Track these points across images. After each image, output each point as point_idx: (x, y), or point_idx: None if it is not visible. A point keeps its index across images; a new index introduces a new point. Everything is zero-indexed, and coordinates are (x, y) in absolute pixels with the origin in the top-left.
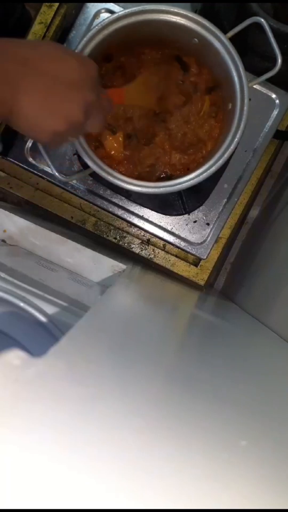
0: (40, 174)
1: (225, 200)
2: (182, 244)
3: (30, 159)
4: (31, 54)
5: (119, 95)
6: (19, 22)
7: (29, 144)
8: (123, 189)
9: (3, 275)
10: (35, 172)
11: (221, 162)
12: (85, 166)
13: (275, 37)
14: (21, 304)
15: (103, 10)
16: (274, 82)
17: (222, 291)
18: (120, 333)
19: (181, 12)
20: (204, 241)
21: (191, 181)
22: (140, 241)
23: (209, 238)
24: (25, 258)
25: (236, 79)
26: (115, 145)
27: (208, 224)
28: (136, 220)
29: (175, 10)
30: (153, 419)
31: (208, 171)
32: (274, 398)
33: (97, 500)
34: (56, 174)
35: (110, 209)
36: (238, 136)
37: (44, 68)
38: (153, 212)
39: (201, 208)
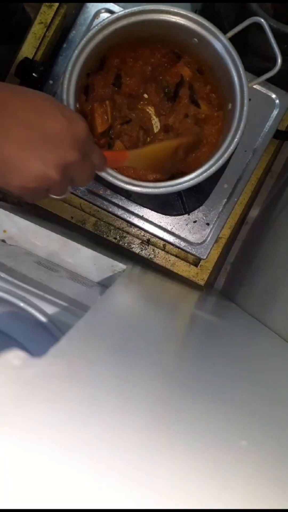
0: None
1: (225, 200)
2: (182, 244)
3: None
4: (11, 97)
5: (120, 157)
6: (20, 23)
7: None
8: (123, 189)
9: (3, 275)
10: None
11: (221, 162)
12: None
13: (275, 37)
14: (21, 304)
15: (103, 10)
16: (274, 82)
17: (222, 291)
18: (120, 333)
19: (181, 12)
20: (204, 241)
21: (191, 181)
22: (140, 241)
23: (209, 238)
24: (25, 258)
25: (236, 79)
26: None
27: (208, 224)
28: (136, 220)
29: (175, 10)
30: (153, 419)
31: (208, 171)
32: (274, 398)
33: (97, 500)
34: None
35: (110, 209)
36: (238, 136)
37: (25, 117)
38: (153, 212)
39: (201, 208)
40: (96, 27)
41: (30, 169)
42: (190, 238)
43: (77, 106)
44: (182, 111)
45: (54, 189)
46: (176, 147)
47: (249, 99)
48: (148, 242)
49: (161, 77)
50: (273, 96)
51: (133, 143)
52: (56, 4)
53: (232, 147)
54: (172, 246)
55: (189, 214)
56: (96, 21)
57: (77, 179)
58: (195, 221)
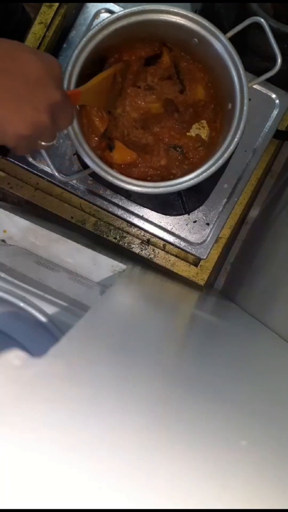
0: (40, 174)
1: (225, 200)
2: (182, 244)
3: (30, 159)
4: None
5: (75, 96)
6: (20, 23)
7: None
8: (123, 189)
9: (3, 275)
10: (35, 172)
11: (221, 162)
12: (85, 166)
13: (275, 37)
14: (21, 304)
15: (103, 10)
16: (274, 82)
17: (222, 291)
18: (120, 333)
19: (181, 12)
20: (204, 241)
21: (191, 181)
22: (140, 241)
23: (209, 238)
24: (25, 258)
25: (236, 79)
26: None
27: (208, 224)
28: (136, 220)
29: (175, 10)
30: (153, 419)
31: (208, 171)
32: (274, 398)
33: (97, 500)
34: (56, 174)
35: (110, 209)
36: (238, 136)
37: (3, 66)
38: (153, 212)
39: (201, 208)
40: (96, 27)
41: (23, 116)
42: (190, 238)
43: (77, 106)
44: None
45: (46, 135)
46: (113, 74)
47: (249, 99)
48: (148, 242)
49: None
50: (273, 96)
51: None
52: (56, 4)
53: (232, 147)
54: (172, 246)
55: (189, 214)
56: (96, 21)
57: (62, 120)
58: (195, 221)
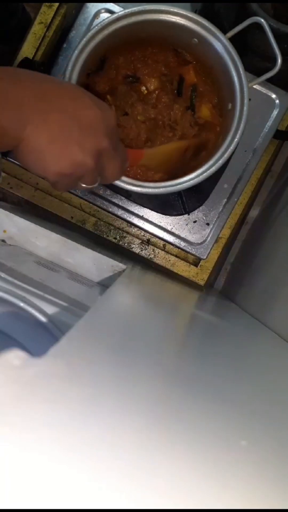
0: None
1: (225, 200)
2: (182, 244)
3: None
4: (50, 87)
5: (136, 155)
6: (20, 23)
7: None
8: (123, 189)
9: (3, 275)
10: None
11: (221, 162)
12: None
13: (275, 37)
14: (21, 304)
15: (103, 10)
16: (274, 82)
17: (222, 291)
18: (120, 333)
19: (181, 12)
20: (204, 241)
21: (191, 181)
22: (140, 241)
23: (209, 238)
24: (25, 258)
25: (236, 79)
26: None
27: (208, 224)
28: (136, 220)
29: (175, 10)
30: (153, 419)
31: (208, 171)
32: (274, 398)
33: (97, 500)
34: None
35: (110, 209)
36: (238, 136)
37: (62, 105)
38: (153, 212)
39: (201, 208)
40: (96, 27)
41: (68, 155)
42: (190, 238)
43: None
44: (183, 105)
45: (87, 178)
46: (186, 148)
47: (249, 99)
48: (148, 242)
49: (167, 73)
50: (273, 96)
51: (131, 135)
52: (56, 4)
53: (232, 147)
54: (172, 246)
55: (189, 214)
56: (96, 21)
57: (108, 170)
58: (195, 221)
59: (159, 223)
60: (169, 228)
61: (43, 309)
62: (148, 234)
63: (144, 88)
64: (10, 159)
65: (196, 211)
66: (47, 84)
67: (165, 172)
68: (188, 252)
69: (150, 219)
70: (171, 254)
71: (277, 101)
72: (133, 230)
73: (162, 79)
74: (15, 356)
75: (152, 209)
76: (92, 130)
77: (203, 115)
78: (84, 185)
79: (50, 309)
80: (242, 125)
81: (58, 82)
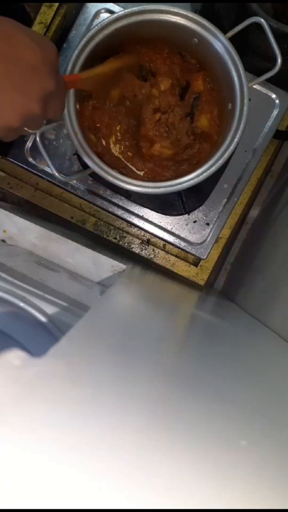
0: (40, 174)
1: (225, 200)
2: (182, 244)
3: (30, 159)
4: None
5: (73, 81)
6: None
7: (29, 144)
8: (123, 189)
9: (3, 275)
10: (35, 172)
11: (221, 162)
12: (85, 166)
13: (275, 37)
14: (21, 304)
15: (103, 10)
16: (274, 82)
17: (222, 291)
18: (120, 333)
19: (181, 12)
20: (204, 241)
21: (191, 181)
22: (140, 241)
23: (209, 238)
24: (25, 258)
25: (236, 79)
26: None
27: (208, 224)
28: (136, 220)
29: (175, 10)
30: (153, 419)
31: (208, 171)
32: (274, 398)
33: (97, 500)
34: (56, 174)
35: (110, 209)
36: (238, 136)
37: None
38: (153, 212)
39: (201, 208)
40: (96, 27)
41: (15, 107)
42: (190, 238)
43: (77, 106)
44: (184, 110)
45: (34, 123)
46: (121, 67)
47: (249, 99)
48: (148, 242)
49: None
50: (273, 96)
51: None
52: (56, 4)
53: (232, 147)
54: (172, 246)
55: (189, 214)
56: (96, 21)
57: (52, 108)
58: (195, 221)
59: (159, 223)
60: (169, 228)
61: (43, 309)
62: (148, 234)
63: (155, 85)
64: (10, 159)
65: (196, 211)
66: None
67: (96, 92)
68: (188, 252)
69: (150, 219)
70: (171, 254)
71: (277, 101)
72: (133, 230)
73: (173, 82)
74: (15, 356)
75: (152, 209)
76: (34, 72)
77: (201, 124)
78: (29, 130)
79: (50, 309)
80: (242, 125)
81: None
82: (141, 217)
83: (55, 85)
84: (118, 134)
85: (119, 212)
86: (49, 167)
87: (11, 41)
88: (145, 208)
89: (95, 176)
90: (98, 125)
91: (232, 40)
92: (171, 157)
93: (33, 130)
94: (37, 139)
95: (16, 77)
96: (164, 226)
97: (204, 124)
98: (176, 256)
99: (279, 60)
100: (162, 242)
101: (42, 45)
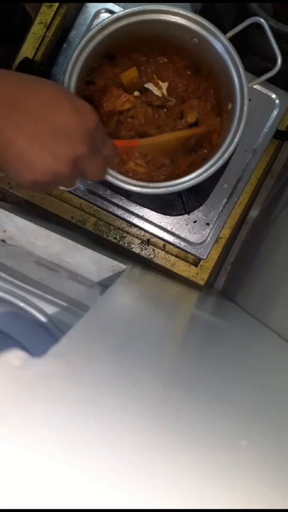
0: None
1: (225, 200)
2: (182, 244)
3: None
4: (20, 92)
5: (130, 146)
6: (20, 23)
7: None
8: (123, 189)
9: (3, 275)
10: None
11: (221, 162)
12: None
13: (275, 37)
14: (21, 304)
15: (103, 10)
16: (274, 82)
17: (222, 291)
18: (120, 333)
19: (181, 12)
20: (204, 241)
21: (191, 181)
22: (140, 241)
23: (209, 238)
24: (25, 258)
25: (236, 79)
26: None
27: (208, 224)
28: (136, 220)
29: (175, 10)
30: (153, 419)
31: (208, 171)
32: (274, 398)
33: (97, 500)
34: None
35: (110, 209)
36: (238, 136)
37: (34, 109)
38: (153, 212)
39: (201, 208)
40: (96, 27)
41: (42, 165)
42: (190, 238)
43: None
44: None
45: (64, 183)
46: (189, 137)
47: (249, 99)
48: (148, 242)
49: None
50: (273, 96)
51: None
52: (56, 4)
53: (232, 147)
54: (172, 246)
55: (189, 214)
56: (96, 21)
57: (89, 172)
58: (195, 221)
59: (159, 223)
60: (169, 228)
61: (43, 309)
62: (148, 234)
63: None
64: None
65: (196, 211)
66: (21, 87)
67: (164, 157)
68: (188, 252)
69: (150, 219)
70: (171, 254)
71: (277, 101)
72: (133, 230)
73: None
74: (15, 356)
75: (152, 209)
76: (67, 137)
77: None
78: (63, 188)
79: (50, 309)
80: (242, 125)
81: (34, 83)
82: (141, 217)
83: (88, 151)
84: None
85: (119, 212)
86: None
87: (50, 104)
88: (145, 208)
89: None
90: None
91: (232, 40)
92: (148, 174)
93: (66, 187)
94: None
95: (48, 138)
96: (164, 226)
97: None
98: (176, 256)
99: (279, 60)
100: (162, 242)
101: (81, 111)
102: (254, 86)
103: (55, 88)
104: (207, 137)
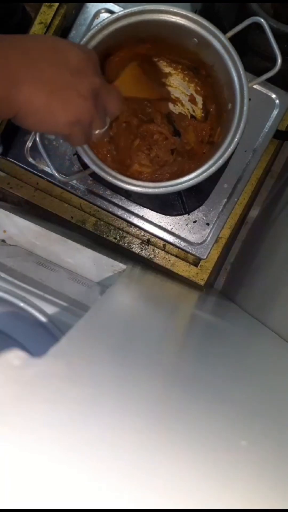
0: (40, 174)
1: (225, 200)
2: (182, 244)
3: (30, 159)
4: (32, 43)
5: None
6: (20, 23)
7: (29, 144)
8: (123, 189)
9: (3, 275)
10: (35, 172)
11: (221, 162)
12: (85, 166)
13: (275, 37)
14: (21, 304)
15: (103, 10)
16: (274, 82)
17: (222, 291)
18: (120, 333)
19: (181, 12)
20: (204, 241)
21: (191, 181)
22: (140, 241)
23: (209, 238)
24: (25, 258)
25: (236, 79)
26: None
27: (208, 224)
28: (136, 220)
29: (175, 10)
30: (153, 419)
31: (208, 171)
32: (274, 398)
33: (97, 500)
34: (56, 174)
35: (110, 209)
36: (238, 136)
37: (47, 57)
38: (153, 212)
39: (201, 208)
40: (96, 27)
41: (70, 104)
42: (190, 238)
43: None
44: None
45: (95, 122)
46: (137, 64)
47: (249, 99)
48: (148, 242)
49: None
50: (273, 96)
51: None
52: (56, 4)
53: (232, 147)
54: (172, 246)
55: (189, 214)
56: (96, 21)
57: (110, 104)
58: (195, 221)
59: (159, 223)
60: (169, 228)
61: (43, 309)
62: (148, 234)
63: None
64: (10, 159)
65: (196, 211)
66: (28, 41)
67: (148, 93)
68: (188, 252)
69: (150, 219)
70: (171, 254)
71: (277, 101)
72: (133, 230)
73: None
74: (15, 356)
75: (152, 209)
76: (82, 72)
77: (190, 141)
78: (97, 131)
79: (50, 309)
80: (242, 125)
81: (36, 36)
82: (141, 217)
83: (101, 81)
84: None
85: (119, 212)
86: (48, 167)
87: (61, 48)
88: (145, 208)
89: (95, 176)
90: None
91: (232, 40)
92: (152, 173)
93: (99, 129)
94: (37, 139)
95: (67, 76)
96: (164, 226)
97: (192, 139)
98: (176, 256)
99: (279, 60)
100: (162, 242)
101: (85, 51)
102: (254, 86)
103: (53, 37)
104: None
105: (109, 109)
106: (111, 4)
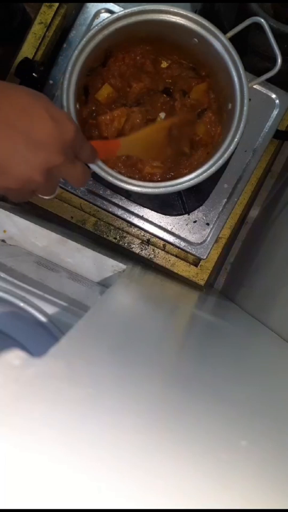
0: None
1: (225, 200)
2: (182, 244)
3: None
4: (3, 99)
5: (112, 147)
6: (21, 23)
7: None
8: (123, 189)
9: (3, 275)
10: None
11: (221, 162)
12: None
13: (275, 37)
14: (21, 304)
15: (103, 10)
16: (274, 82)
17: (222, 291)
18: (120, 333)
19: (181, 12)
20: (204, 241)
21: (191, 181)
22: (140, 241)
23: (209, 238)
24: (25, 258)
25: (236, 79)
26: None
27: (208, 224)
28: (136, 220)
29: (175, 10)
30: (152, 419)
31: (208, 171)
32: (274, 398)
33: (97, 500)
34: None
35: (110, 209)
36: (238, 136)
37: (10, 117)
38: (153, 212)
39: (201, 208)
40: (96, 27)
41: (14, 172)
42: (190, 238)
43: (77, 106)
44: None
45: (41, 190)
46: (169, 127)
47: (249, 99)
48: (148, 242)
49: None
50: (273, 96)
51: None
52: (56, 4)
53: (232, 147)
54: (172, 246)
55: (189, 214)
56: (96, 21)
57: (70, 179)
58: (195, 221)
59: (159, 223)
60: (169, 228)
61: (43, 309)
62: (148, 234)
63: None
64: None
65: (196, 211)
66: (2, 96)
67: (156, 158)
68: (188, 252)
69: (150, 219)
70: (171, 254)
71: (277, 101)
72: (133, 230)
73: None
74: (15, 356)
75: (152, 209)
76: (43, 146)
77: (199, 131)
78: (42, 196)
79: (50, 309)
80: (242, 125)
81: (11, 91)
82: (141, 217)
83: (64, 160)
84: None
85: (119, 212)
86: None
87: (27, 113)
88: (145, 208)
89: (95, 176)
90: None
91: (232, 40)
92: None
93: (45, 196)
94: None
95: (22, 147)
96: (164, 226)
97: (202, 130)
98: (176, 256)
99: (279, 60)
100: (162, 242)
101: (59, 121)
102: (254, 86)
103: (33, 97)
104: (189, 129)
105: (70, 181)
106: (111, 4)
